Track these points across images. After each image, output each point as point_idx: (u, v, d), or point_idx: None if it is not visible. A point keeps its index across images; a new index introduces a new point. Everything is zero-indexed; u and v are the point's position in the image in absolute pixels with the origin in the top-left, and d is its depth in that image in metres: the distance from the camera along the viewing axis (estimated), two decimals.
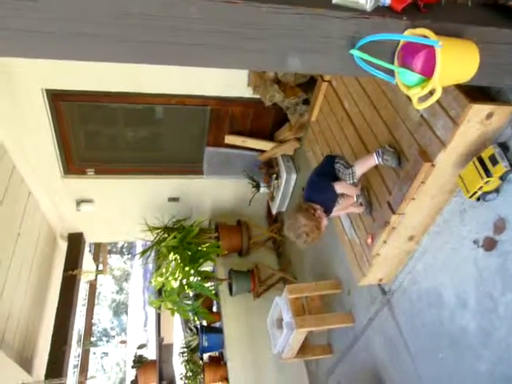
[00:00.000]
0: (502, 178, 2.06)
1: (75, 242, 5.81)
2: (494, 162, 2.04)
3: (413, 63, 1.38)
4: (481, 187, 2.11)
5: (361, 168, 2.64)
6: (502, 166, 2.02)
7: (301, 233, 2.50)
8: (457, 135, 2.11)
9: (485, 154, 2.07)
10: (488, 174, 2.06)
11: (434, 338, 2.74)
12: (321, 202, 2.60)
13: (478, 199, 2.19)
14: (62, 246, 5.84)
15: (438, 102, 2.16)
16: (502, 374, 2.23)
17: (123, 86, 4.19)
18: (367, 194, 2.91)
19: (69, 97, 4.21)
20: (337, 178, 2.67)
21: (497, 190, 2.14)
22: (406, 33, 1.36)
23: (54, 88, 4.08)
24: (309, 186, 2.75)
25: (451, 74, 1.43)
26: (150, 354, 7.02)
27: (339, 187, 2.64)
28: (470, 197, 2.18)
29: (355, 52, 1.36)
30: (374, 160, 2.62)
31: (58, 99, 4.20)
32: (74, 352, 7.50)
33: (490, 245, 2.24)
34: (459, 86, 2.04)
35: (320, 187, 2.69)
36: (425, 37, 1.31)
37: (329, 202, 2.65)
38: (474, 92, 2.06)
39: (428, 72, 1.36)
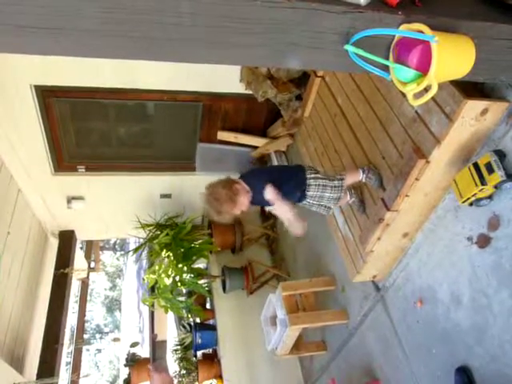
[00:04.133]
0: (497, 187, 2.03)
1: (66, 240, 5.74)
2: (490, 170, 2.00)
3: (408, 59, 1.35)
4: (474, 194, 2.08)
5: (348, 181, 2.69)
6: (498, 176, 1.98)
7: (213, 199, 2.29)
8: (451, 131, 2.10)
9: (481, 161, 2.04)
10: (483, 182, 2.03)
11: (427, 335, 2.73)
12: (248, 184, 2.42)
13: (471, 204, 2.17)
14: (54, 244, 5.77)
15: (432, 97, 2.13)
16: (495, 371, 2.22)
17: (114, 81, 4.13)
18: (360, 192, 2.90)
19: (58, 93, 4.14)
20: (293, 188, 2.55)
21: (490, 197, 2.11)
22: (402, 28, 1.33)
23: (43, 84, 4.01)
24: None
25: (447, 69, 1.40)
26: (144, 352, 6.99)
27: (271, 195, 2.39)
28: (463, 202, 2.16)
29: (350, 47, 1.33)
30: (359, 176, 2.71)
31: (47, 95, 4.13)
32: (67, 349, 7.44)
33: (484, 242, 2.23)
34: (454, 82, 2.02)
35: (255, 176, 2.55)
36: (420, 32, 1.28)
37: (255, 193, 2.42)
38: (469, 88, 2.05)
39: (424, 68, 1.33)
